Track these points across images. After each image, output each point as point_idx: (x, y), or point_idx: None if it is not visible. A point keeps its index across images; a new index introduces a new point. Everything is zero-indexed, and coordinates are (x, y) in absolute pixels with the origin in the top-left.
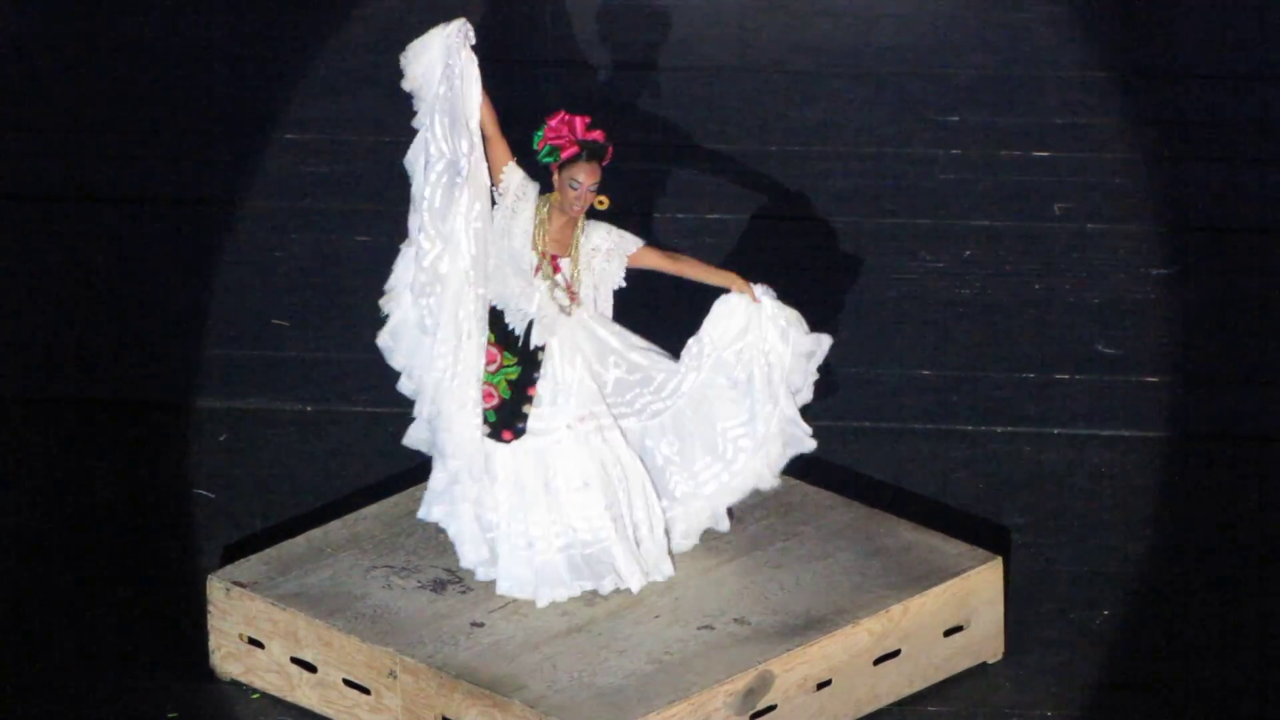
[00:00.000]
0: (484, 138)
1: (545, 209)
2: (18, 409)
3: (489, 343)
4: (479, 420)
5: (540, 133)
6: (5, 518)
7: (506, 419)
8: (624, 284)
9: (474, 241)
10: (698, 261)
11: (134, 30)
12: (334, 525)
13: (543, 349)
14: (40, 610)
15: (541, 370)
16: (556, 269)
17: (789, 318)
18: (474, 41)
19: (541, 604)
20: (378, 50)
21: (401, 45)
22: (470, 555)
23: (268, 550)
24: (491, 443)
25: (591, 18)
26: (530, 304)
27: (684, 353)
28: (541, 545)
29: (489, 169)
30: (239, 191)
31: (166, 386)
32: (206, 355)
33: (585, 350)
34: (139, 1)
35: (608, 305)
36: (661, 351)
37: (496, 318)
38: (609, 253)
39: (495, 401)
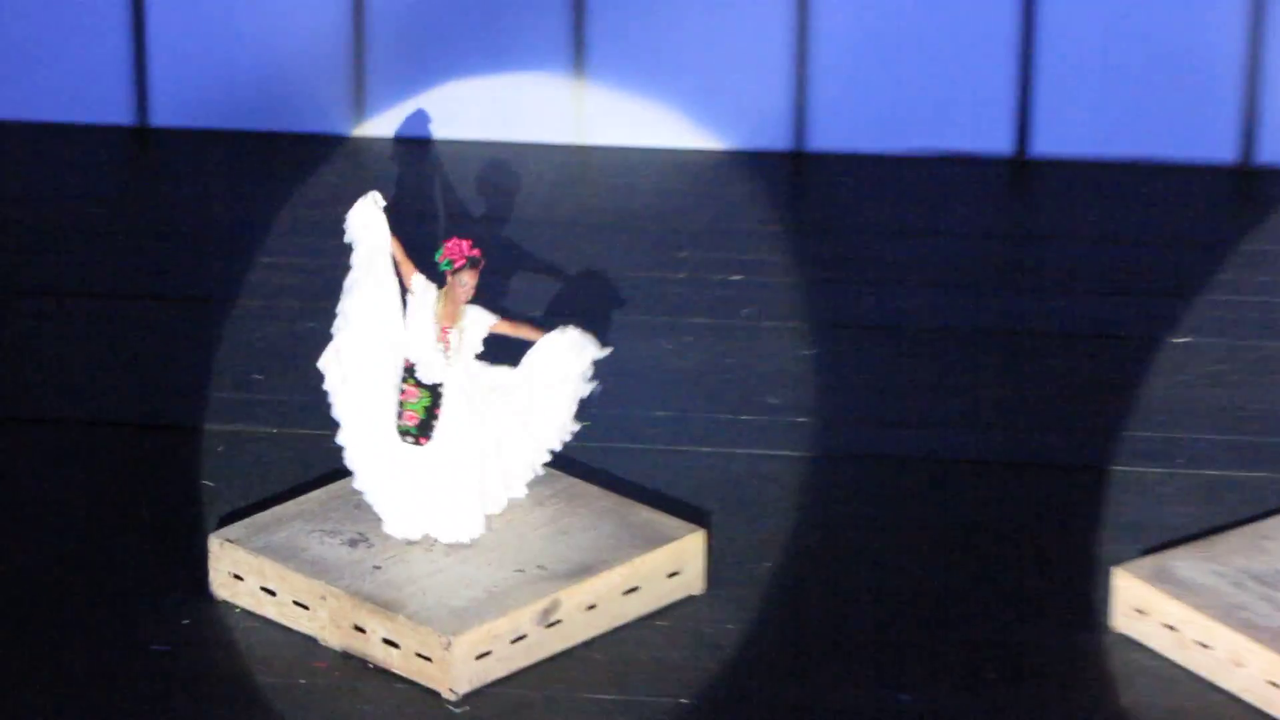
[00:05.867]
0: (396, 261)
1: (440, 299)
2: (76, 428)
3: (409, 383)
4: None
5: (440, 250)
6: (74, 492)
7: (424, 430)
8: (482, 345)
9: (365, 317)
10: (526, 325)
11: (170, 195)
12: (289, 503)
13: (440, 385)
14: (92, 556)
15: (443, 399)
16: (445, 335)
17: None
18: (384, 204)
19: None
20: (323, 207)
21: (333, 213)
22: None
23: (246, 519)
24: (410, 445)
25: (447, 178)
26: (432, 358)
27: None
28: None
29: (402, 278)
30: (231, 293)
31: (184, 414)
32: (210, 394)
33: (465, 384)
34: (169, 186)
35: (476, 349)
36: (511, 372)
37: (411, 368)
38: (476, 323)
39: (415, 420)
